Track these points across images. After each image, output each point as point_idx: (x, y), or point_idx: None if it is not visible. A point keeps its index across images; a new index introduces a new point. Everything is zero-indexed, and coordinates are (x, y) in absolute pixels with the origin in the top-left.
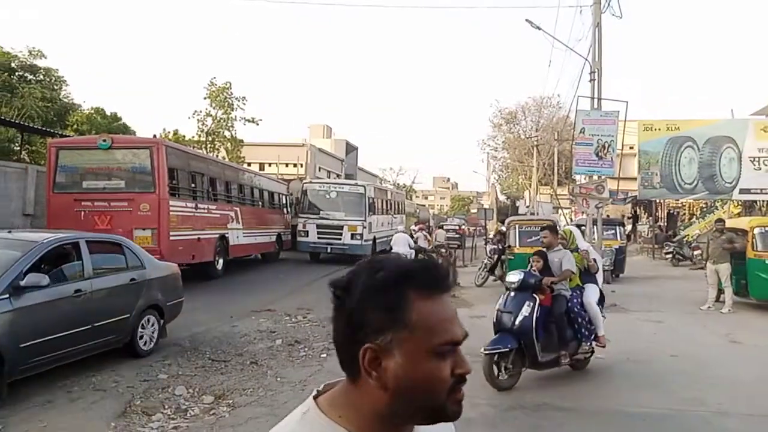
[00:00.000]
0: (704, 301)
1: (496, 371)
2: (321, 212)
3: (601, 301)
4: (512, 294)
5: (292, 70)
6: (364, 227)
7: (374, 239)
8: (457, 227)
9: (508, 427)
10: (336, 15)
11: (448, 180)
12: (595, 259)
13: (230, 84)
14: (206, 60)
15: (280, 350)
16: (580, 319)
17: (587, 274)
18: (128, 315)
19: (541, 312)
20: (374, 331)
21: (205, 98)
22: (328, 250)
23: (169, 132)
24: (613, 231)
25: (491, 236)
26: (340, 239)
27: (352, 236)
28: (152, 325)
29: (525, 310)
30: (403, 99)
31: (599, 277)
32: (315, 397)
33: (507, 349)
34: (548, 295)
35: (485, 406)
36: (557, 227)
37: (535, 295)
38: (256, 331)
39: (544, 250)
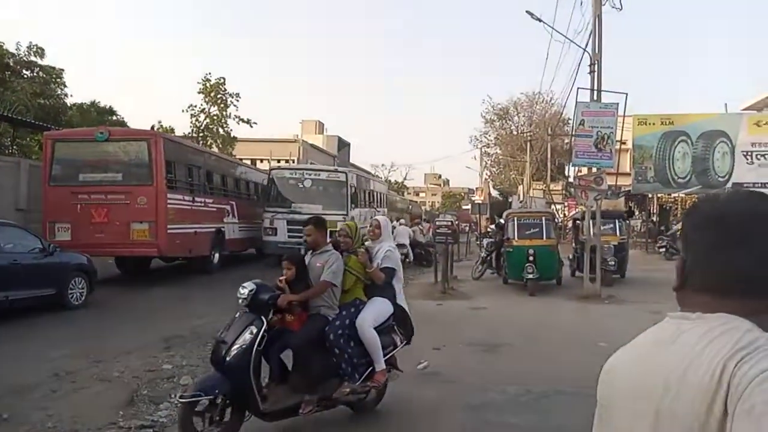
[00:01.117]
0: None
1: (201, 425)
2: (293, 205)
3: (401, 322)
4: (237, 315)
5: (284, 66)
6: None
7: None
8: (449, 223)
9: (514, 408)
10: (327, 6)
11: (440, 177)
12: (391, 267)
13: (224, 80)
14: (196, 53)
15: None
16: (338, 350)
17: (383, 287)
18: None
19: (281, 340)
20: None
21: (199, 93)
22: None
23: (160, 127)
24: (611, 225)
25: (488, 229)
26: None
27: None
28: None
29: (243, 339)
30: (395, 96)
31: (399, 287)
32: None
33: (209, 398)
34: (299, 316)
35: (494, 393)
36: (325, 222)
37: (263, 317)
38: None
39: (301, 252)
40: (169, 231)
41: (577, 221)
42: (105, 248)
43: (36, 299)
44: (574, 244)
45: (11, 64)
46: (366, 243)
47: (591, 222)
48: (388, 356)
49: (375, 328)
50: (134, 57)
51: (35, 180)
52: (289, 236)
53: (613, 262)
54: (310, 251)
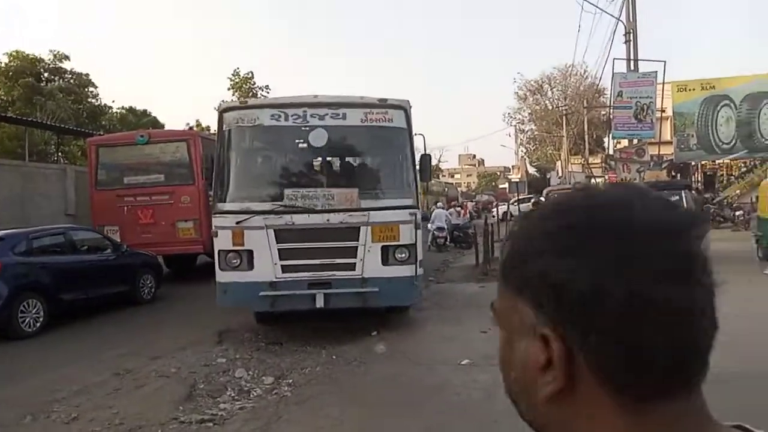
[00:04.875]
0: (752, 260)
1: None
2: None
3: None
4: None
5: (315, 51)
6: (415, 227)
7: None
8: (487, 204)
9: None
10: None
11: (474, 157)
12: None
13: (252, 74)
14: (226, 46)
15: (331, 330)
16: None
17: None
18: None
19: None
20: None
21: (229, 89)
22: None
23: (197, 126)
24: (676, 197)
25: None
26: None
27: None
28: None
29: None
30: (425, 78)
31: None
32: None
33: None
34: None
35: None
36: None
37: None
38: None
39: None
40: None
41: None
42: (153, 248)
43: (111, 296)
44: None
45: (42, 71)
46: None
47: None
48: None
49: None
50: (163, 56)
51: (82, 185)
52: (288, 271)
53: None
54: None
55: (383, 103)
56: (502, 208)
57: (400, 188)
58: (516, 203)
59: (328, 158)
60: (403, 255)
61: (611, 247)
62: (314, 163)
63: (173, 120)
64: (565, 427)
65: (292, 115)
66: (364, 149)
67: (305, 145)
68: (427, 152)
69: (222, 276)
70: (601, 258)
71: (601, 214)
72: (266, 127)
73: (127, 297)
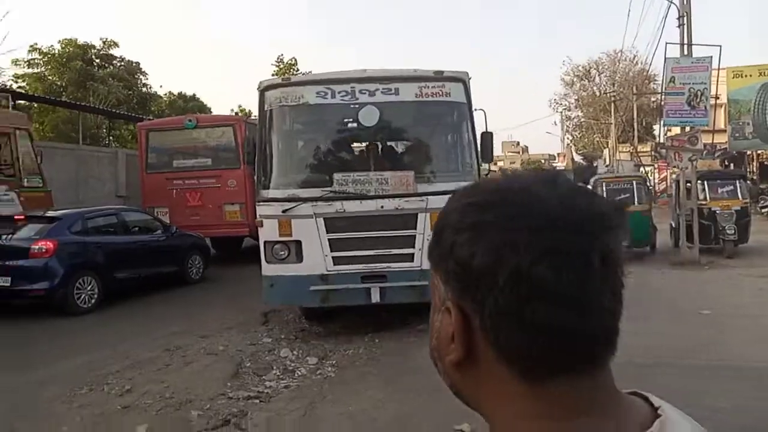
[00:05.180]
0: None
1: None
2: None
3: None
4: None
5: (356, 35)
6: None
7: None
8: None
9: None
10: None
11: (518, 144)
12: None
13: (296, 60)
14: (274, 31)
15: (375, 314)
16: None
17: None
18: None
19: None
20: None
21: (273, 75)
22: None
23: (241, 111)
24: (731, 187)
25: None
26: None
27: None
28: None
29: None
30: (467, 64)
31: None
32: None
33: None
34: None
35: None
36: None
37: None
38: None
39: None
40: None
41: (688, 183)
42: (201, 229)
43: (161, 275)
44: (677, 210)
45: (93, 57)
46: None
47: (693, 184)
48: None
49: None
50: (211, 43)
51: (132, 168)
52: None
53: (732, 231)
54: None
55: (440, 76)
56: None
57: (461, 170)
58: None
59: (380, 138)
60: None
61: (508, 228)
62: (365, 144)
63: (218, 106)
64: (472, 394)
65: (339, 92)
66: (420, 127)
67: (354, 124)
68: (489, 130)
69: (268, 269)
70: (497, 237)
71: (507, 196)
72: (311, 105)
73: (177, 277)
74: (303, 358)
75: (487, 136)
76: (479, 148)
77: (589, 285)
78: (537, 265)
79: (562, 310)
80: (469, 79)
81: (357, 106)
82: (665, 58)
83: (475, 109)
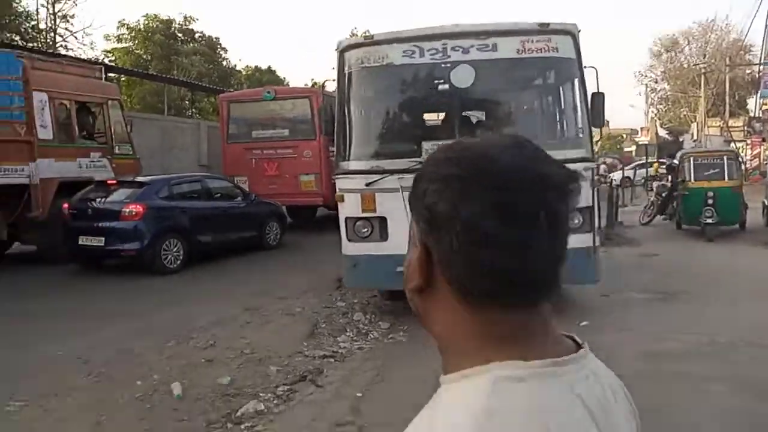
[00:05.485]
0: None
1: None
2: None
3: None
4: None
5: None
6: (592, 186)
7: None
8: (611, 167)
9: (701, 357)
10: None
11: None
12: None
13: (370, 32)
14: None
15: None
16: None
17: None
18: None
19: None
20: None
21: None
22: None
23: (315, 84)
24: None
25: (657, 172)
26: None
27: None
28: None
29: None
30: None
31: None
32: None
33: None
34: None
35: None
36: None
37: None
38: None
39: None
40: (333, 182)
41: None
42: (278, 198)
43: (241, 240)
44: None
45: (177, 33)
46: None
47: None
48: None
49: None
50: (286, 17)
51: (213, 138)
52: None
53: None
54: None
55: (545, 28)
56: (626, 171)
57: (570, 136)
58: (634, 168)
59: (476, 101)
60: (578, 221)
61: (468, 181)
62: (458, 109)
63: (293, 79)
64: (428, 317)
65: (428, 50)
66: (522, 88)
67: (446, 86)
68: (601, 90)
69: (349, 248)
70: (458, 188)
71: (475, 153)
72: (397, 66)
73: (255, 242)
74: (375, 322)
75: (599, 98)
76: (589, 112)
77: (533, 238)
78: (486, 217)
79: (504, 255)
80: (579, 32)
81: (449, 65)
82: (766, 27)
83: (585, 67)
